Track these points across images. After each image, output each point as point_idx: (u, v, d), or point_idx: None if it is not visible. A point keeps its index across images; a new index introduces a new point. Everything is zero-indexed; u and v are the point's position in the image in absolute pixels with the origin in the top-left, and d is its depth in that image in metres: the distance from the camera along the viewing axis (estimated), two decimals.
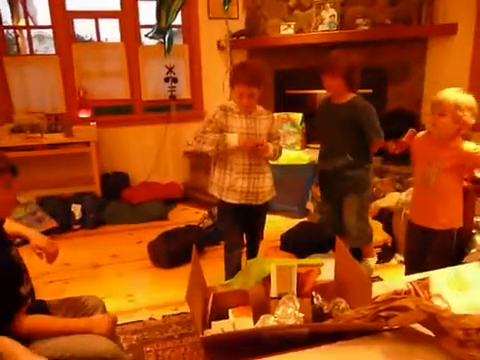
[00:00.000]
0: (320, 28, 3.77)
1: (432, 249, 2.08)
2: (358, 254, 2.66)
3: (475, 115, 1.88)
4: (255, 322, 1.46)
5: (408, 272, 2.22)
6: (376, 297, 1.44)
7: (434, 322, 1.13)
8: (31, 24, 4.30)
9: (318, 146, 4.00)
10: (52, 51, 4.10)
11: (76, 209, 3.51)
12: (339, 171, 2.41)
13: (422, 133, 2.10)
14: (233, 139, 2.11)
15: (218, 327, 1.41)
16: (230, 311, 1.56)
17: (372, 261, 2.68)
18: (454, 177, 1.96)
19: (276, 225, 3.22)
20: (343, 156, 2.39)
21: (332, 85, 2.35)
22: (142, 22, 4.17)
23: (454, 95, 1.85)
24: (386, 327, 1.25)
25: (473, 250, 2.00)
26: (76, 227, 3.50)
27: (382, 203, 3.05)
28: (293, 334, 1.30)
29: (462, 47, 3.28)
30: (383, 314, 1.26)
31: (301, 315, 1.45)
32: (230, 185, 2.20)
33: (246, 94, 2.09)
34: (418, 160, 2.10)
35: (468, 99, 1.86)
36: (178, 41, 4.31)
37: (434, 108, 1.91)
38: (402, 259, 2.71)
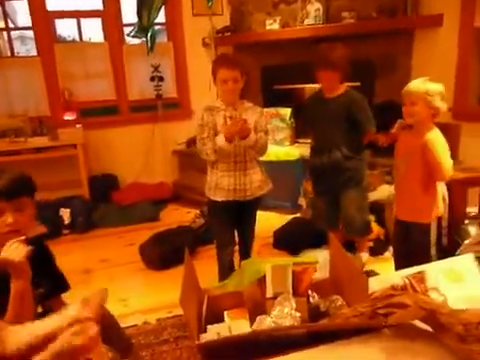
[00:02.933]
0: (306, 22, 3.74)
1: (410, 243, 2.10)
2: (351, 248, 2.66)
3: (445, 100, 1.94)
4: (251, 324, 1.44)
5: (396, 266, 2.23)
6: (373, 293, 1.43)
7: (433, 318, 1.12)
8: (11, 26, 4.21)
9: (308, 141, 4.02)
10: (34, 52, 4.02)
11: (65, 213, 3.46)
12: (337, 164, 2.41)
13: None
14: (221, 139, 2.08)
15: (214, 331, 1.38)
16: (225, 313, 1.53)
17: (364, 256, 2.69)
18: (423, 168, 1.97)
19: (269, 222, 3.21)
20: (339, 149, 2.39)
21: (329, 79, 2.34)
22: (125, 21, 4.11)
23: (422, 83, 1.95)
24: (385, 324, 1.23)
25: (466, 241, 2.00)
26: (65, 232, 3.44)
27: (373, 196, 3.04)
28: (291, 335, 1.27)
29: (448, 38, 3.28)
30: (381, 311, 1.24)
31: (298, 315, 1.43)
32: (217, 183, 2.19)
33: (230, 78, 2.05)
34: (399, 155, 2.14)
35: (435, 85, 1.94)
36: (162, 39, 4.26)
37: (405, 98, 1.99)
38: None
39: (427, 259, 1.90)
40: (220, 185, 2.17)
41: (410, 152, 2.00)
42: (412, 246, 2.08)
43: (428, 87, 1.91)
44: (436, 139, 1.95)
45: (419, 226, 2.04)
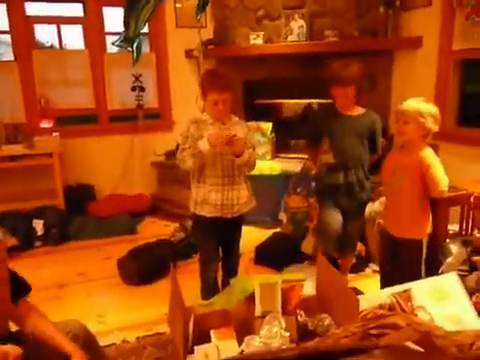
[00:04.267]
0: (289, 38, 3.78)
1: (401, 260, 2.11)
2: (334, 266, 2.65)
3: (437, 122, 1.98)
4: (239, 344, 1.40)
5: (382, 282, 2.24)
6: (361, 312, 1.42)
7: (427, 340, 1.11)
8: None
9: (290, 156, 4.04)
10: (8, 57, 3.89)
11: (38, 224, 3.32)
12: (360, 182, 2.40)
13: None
14: (204, 143, 2.03)
15: (201, 352, 1.34)
16: (212, 333, 1.49)
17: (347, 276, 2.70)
18: (417, 185, 2.00)
19: (250, 236, 3.17)
20: (363, 168, 2.40)
21: (343, 95, 2.32)
22: (107, 29, 4.05)
23: (416, 104, 1.97)
24: (377, 346, 1.21)
25: (449, 259, 2.03)
26: (38, 244, 3.31)
27: None
28: (282, 357, 1.24)
29: (427, 60, 3.38)
30: (373, 332, 1.23)
31: (287, 334, 1.40)
32: (204, 198, 2.15)
33: (220, 100, 2.06)
34: (386, 171, 2.16)
35: (429, 106, 1.97)
36: (145, 49, 4.21)
37: (398, 117, 2.02)
38: (376, 268, 2.74)
39: (417, 276, 1.90)
40: (207, 200, 2.13)
41: (403, 168, 2.02)
42: (402, 262, 2.09)
43: (422, 108, 1.94)
44: (432, 156, 1.99)
45: (411, 242, 2.06)
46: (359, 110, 2.41)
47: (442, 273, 1.93)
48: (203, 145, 2.03)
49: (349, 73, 2.27)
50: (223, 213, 2.15)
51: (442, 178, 1.96)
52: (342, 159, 2.41)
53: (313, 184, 2.95)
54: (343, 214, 2.46)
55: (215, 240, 2.26)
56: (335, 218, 2.46)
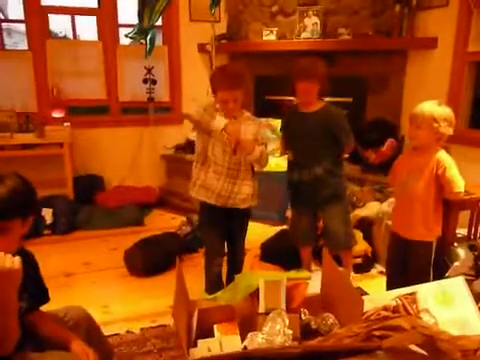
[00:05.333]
0: (303, 35, 3.76)
1: (410, 261, 2.09)
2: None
3: (452, 125, 1.94)
4: (242, 339, 1.40)
5: (389, 284, 2.23)
6: (365, 312, 1.41)
7: (431, 344, 1.10)
8: (2, 17, 4.11)
9: None
10: (21, 46, 3.93)
11: (47, 213, 3.35)
12: (319, 180, 2.37)
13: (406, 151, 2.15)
14: (220, 122, 1.99)
15: (204, 346, 1.34)
16: (215, 327, 1.49)
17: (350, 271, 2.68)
18: (431, 186, 1.97)
19: (256, 233, 3.17)
20: (320, 164, 2.35)
21: (308, 91, 2.29)
22: (121, 21, 4.06)
23: (430, 108, 1.92)
24: (380, 348, 1.21)
25: (456, 263, 2.01)
26: (46, 232, 3.33)
27: (362, 212, 3.05)
28: (284, 355, 1.24)
29: (442, 61, 3.34)
30: (377, 333, 1.22)
31: (290, 332, 1.40)
32: (203, 182, 2.13)
33: (230, 99, 2.03)
34: (399, 172, 2.13)
35: (444, 111, 1.93)
36: (158, 42, 4.22)
37: (412, 121, 1.98)
38: (382, 269, 2.72)
39: (426, 279, 1.89)
40: (206, 185, 2.12)
41: (418, 170, 1.99)
42: (410, 265, 2.07)
43: (435, 113, 1.90)
44: (447, 158, 1.96)
45: (421, 245, 2.03)
46: (317, 106, 2.35)
47: (449, 277, 1.92)
48: (218, 123, 1.98)
49: (315, 68, 2.26)
50: (217, 202, 2.13)
51: (459, 179, 1.94)
52: (298, 157, 2.43)
53: None
54: (313, 211, 2.50)
55: (220, 233, 2.26)
56: (297, 220, 2.57)
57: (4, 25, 4.59)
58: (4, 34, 4.08)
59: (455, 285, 1.65)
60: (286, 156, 2.65)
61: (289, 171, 2.51)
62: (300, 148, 2.42)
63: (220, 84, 2.04)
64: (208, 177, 2.12)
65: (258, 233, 3.19)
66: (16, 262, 1.08)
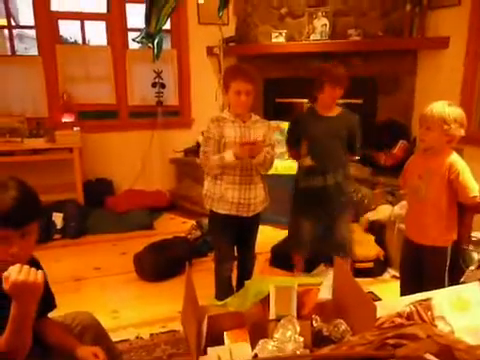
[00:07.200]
0: (312, 37, 3.73)
1: (424, 267, 2.04)
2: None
3: (463, 126, 1.88)
4: (253, 346, 1.38)
5: (403, 290, 2.18)
6: (379, 319, 1.38)
7: (447, 354, 1.07)
8: (13, 24, 4.14)
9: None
10: (32, 52, 3.96)
11: (57, 218, 3.36)
12: (340, 185, 2.35)
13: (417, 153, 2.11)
14: (230, 156, 2.05)
15: (214, 354, 1.32)
16: (225, 334, 1.47)
17: None
18: (444, 191, 1.93)
19: (266, 236, 3.14)
20: (342, 170, 2.35)
21: (337, 97, 2.31)
22: (130, 25, 4.08)
23: (440, 108, 1.87)
24: (394, 356, 1.17)
25: (471, 267, 1.96)
26: (57, 237, 3.34)
27: (373, 216, 3.00)
28: None
29: (453, 61, 3.28)
30: (391, 341, 1.19)
31: (301, 339, 1.37)
32: (221, 196, 2.14)
33: (244, 91, 2.03)
34: (410, 175, 2.08)
35: (455, 111, 1.87)
36: (166, 46, 4.22)
37: (422, 122, 1.93)
38: (395, 274, 2.68)
39: (441, 284, 1.84)
40: (224, 197, 2.13)
41: (430, 174, 1.94)
42: (425, 270, 2.02)
43: (446, 114, 1.84)
44: (460, 162, 1.91)
45: (436, 250, 1.98)
46: (337, 110, 2.36)
47: (464, 282, 1.87)
48: (229, 158, 2.04)
49: (342, 73, 2.27)
50: (239, 211, 2.14)
51: (473, 184, 1.89)
52: (321, 162, 2.36)
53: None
54: (326, 218, 2.45)
55: (230, 238, 2.25)
56: (306, 228, 2.48)
57: (16, 31, 4.63)
58: (16, 40, 4.11)
59: (471, 290, 1.61)
60: (296, 160, 2.60)
61: (306, 176, 2.42)
62: (324, 153, 2.36)
63: (235, 75, 2.07)
64: (223, 189, 2.13)
65: (268, 237, 3.17)
66: (39, 275, 1.08)
